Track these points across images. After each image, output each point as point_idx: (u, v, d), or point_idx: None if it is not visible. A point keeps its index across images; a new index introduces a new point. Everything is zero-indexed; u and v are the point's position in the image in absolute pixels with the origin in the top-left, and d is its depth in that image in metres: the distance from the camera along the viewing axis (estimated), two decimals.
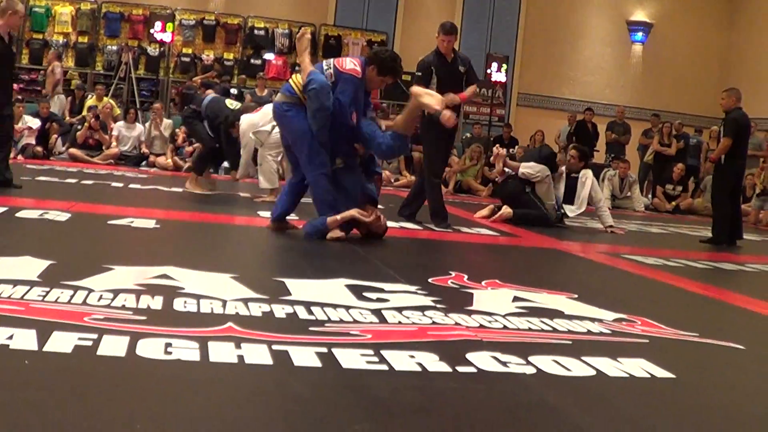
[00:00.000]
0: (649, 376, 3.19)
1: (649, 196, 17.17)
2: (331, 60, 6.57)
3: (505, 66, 19.45)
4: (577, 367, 3.19)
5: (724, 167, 9.88)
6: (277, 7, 20.29)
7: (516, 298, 4.54)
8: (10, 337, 2.89)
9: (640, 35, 22.09)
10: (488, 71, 19.58)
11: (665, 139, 17.50)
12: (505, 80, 19.96)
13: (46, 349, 2.81)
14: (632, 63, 22.22)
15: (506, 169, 10.39)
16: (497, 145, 12.98)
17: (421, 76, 8.52)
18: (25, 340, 2.88)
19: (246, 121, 9.44)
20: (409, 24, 20.75)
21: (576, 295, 4.81)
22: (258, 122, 9.24)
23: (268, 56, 19.89)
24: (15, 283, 3.73)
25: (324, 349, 3.09)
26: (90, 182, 10.36)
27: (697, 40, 22.15)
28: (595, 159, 17.21)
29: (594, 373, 3.15)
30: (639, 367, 3.27)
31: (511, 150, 16.48)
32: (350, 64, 6.45)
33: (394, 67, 6.52)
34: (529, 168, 9.95)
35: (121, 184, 10.55)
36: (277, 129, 7.86)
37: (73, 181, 10.37)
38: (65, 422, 2.21)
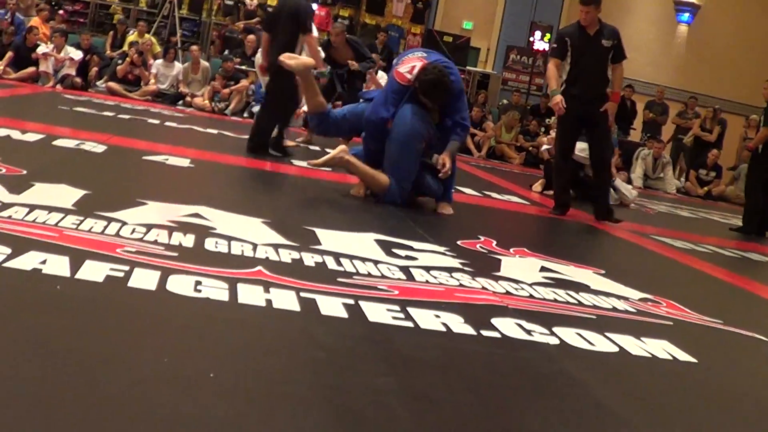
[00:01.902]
0: (671, 358, 3.19)
1: (682, 179, 17.05)
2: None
3: (548, 35, 19.32)
4: (601, 343, 3.20)
5: (760, 157, 9.79)
6: None
7: (543, 268, 4.54)
8: (44, 262, 2.92)
9: (686, 16, 21.86)
10: (531, 39, 19.47)
11: (708, 123, 17.34)
12: (547, 49, 19.83)
13: (78, 276, 2.84)
14: (676, 43, 22.01)
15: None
16: (546, 139, 12.42)
17: (555, 48, 7.95)
18: (57, 265, 2.91)
19: None
20: None
21: (603, 271, 4.80)
22: None
23: (312, 6, 19.77)
24: (50, 209, 3.77)
25: (351, 301, 3.11)
26: (127, 117, 10.38)
27: (743, 25, 21.87)
28: (630, 137, 17.12)
29: (617, 349, 3.16)
30: (661, 348, 3.28)
31: (547, 120, 16.40)
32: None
33: (430, 92, 6.13)
34: (584, 152, 9.83)
35: (157, 121, 10.57)
36: None
37: (111, 114, 10.39)
38: (91, 350, 2.24)
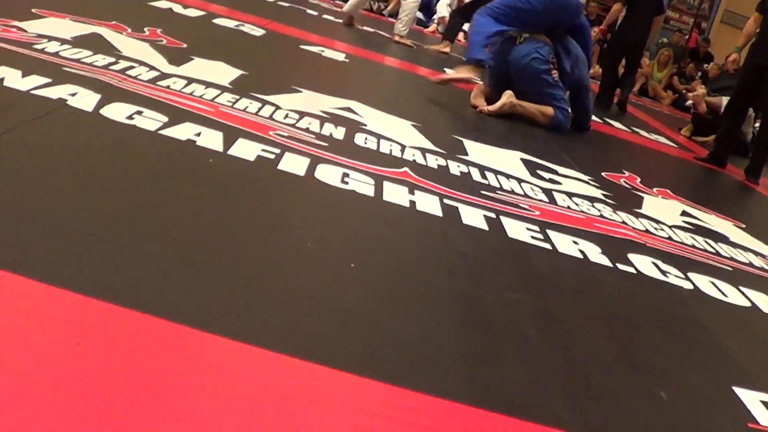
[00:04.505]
0: None
1: None
2: None
3: None
4: (734, 295, 3.17)
5: None
6: None
7: (684, 213, 4.48)
8: (198, 134, 3.01)
9: None
10: None
11: None
12: None
13: (230, 152, 2.92)
14: None
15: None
16: (699, 85, 12.06)
17: (761, 1, 7.55)
18: (211, 139, 3.00)
19: None
20: None
21: (744, 225, 4.72)
22: None
23: None
24: (207, 84, 3.85)
25: (492, 215, 3.14)
26: (286, 4, 10.46)
27: None
28: None
29: (749, 304, 3.13)
30: None
31: (705, 65, 15.96)
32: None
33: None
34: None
35: (315, 13, 10.61)
36: None
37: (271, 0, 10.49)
38: (238, 225, 2.31)
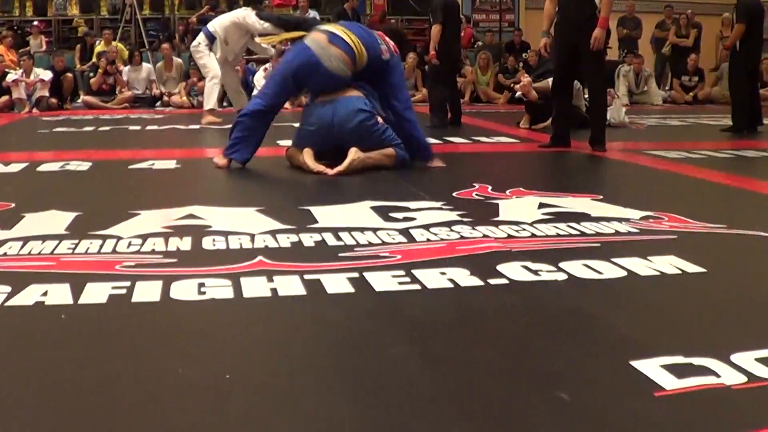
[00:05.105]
0: (680, 272, 3.19)
1: (667, 89, 16.99)
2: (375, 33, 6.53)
3: None
4: (608, 270, 3.21)
5: (739, 53, 9.78)
6: None
7: (542, 205, 4.54)
8: (45, 294, 2.91)
9: None
10: None
11: (682, 30, 17.28)
12: None
13: (81, 301, 2.83)
14: None
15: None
16: (523, 75, 12.22)
17: None
18: (59, 294, 2.90)
19: None
20: None
21: (601, 197, 4.81)
22: None
23: None
24: (43, 238, 3.76)
25: (356, 274, 3.11)
26: (107, 128, 10.36)
27: None
28: (608, 56, 17.04)
29: (625, 274, 3.16)
30: (669, 264, 3.28)
31: (523, 54, 16.34)
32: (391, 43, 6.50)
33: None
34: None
35: (138, 127, 10.54)
36: None
37: (91, 129, 10.36)
38: (107, 374, 2.23)
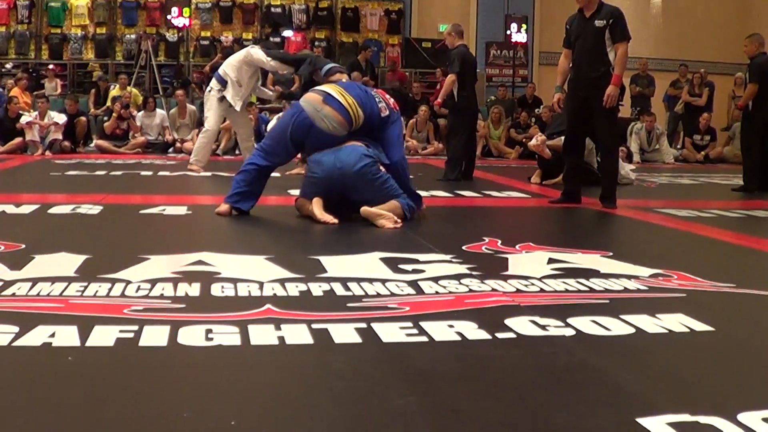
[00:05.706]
0: (688, 330, 3.19)
1: (679, 147, 17.03)
2: (374, 91, 6.60)
3: (524, 26, 19.42)
4: (616, 326, 3.20)
5: (752, 113, 9.82)
6: None
7: (551, 260, 4.54)
8: (52, 335, 2.92)
9: None
10: (508, 32, 19.52)
11: (695, 89, 17.36)
12: (526, 40, 19.94)
13: (88, 344, 2.84)
14: (652, 14, 22.04)
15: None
16: (537, 134, 12.24)
17: (564, 38, 7.79)
18: (66, 336, 2.91)
19: None
20: None
21: (611, 253, 4.81)
22: None
23: (287, 33, 19.91)
24: (53, 280, 3.77)
25: (363, 325, 3.11)
26: (119, 173, 10.41)
27: None
28: (621, 113, 17.11)
29: (633, 330, 3.16)
30: (677, 322, 3.27)
31: (536, 110, 16.42)
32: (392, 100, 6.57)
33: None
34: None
35: (150, 173, 10.60)
36: None
37: (103, 173, 10.42)
38: (113, 417, 2.23)
